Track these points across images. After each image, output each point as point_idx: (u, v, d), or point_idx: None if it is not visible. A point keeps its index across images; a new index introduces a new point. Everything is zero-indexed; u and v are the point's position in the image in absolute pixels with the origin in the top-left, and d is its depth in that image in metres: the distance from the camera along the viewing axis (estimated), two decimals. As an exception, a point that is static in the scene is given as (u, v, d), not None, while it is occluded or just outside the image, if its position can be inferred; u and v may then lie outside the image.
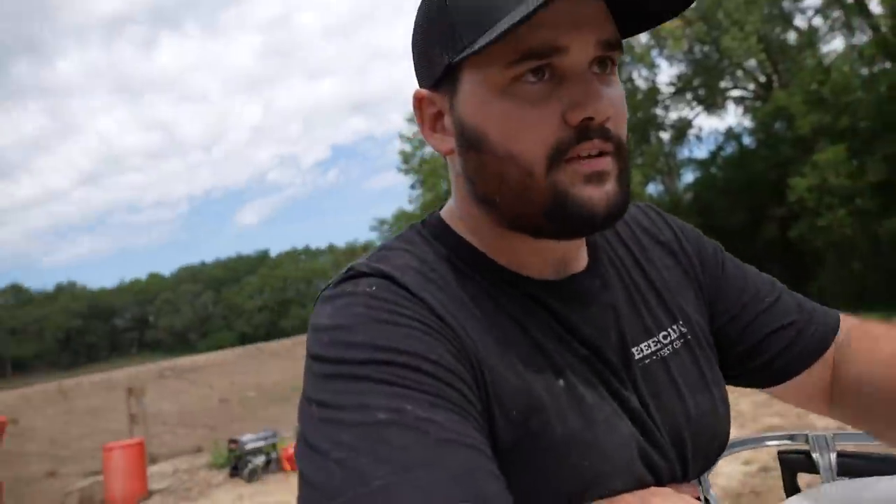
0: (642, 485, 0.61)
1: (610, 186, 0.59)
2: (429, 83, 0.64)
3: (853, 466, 0.84)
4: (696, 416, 0.68)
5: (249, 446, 8.18)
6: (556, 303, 0.65)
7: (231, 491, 7.63)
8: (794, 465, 0.90)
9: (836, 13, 21.50)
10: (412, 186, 31.54)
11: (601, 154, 0.58)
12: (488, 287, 0.63)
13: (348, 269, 0.62)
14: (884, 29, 19.30)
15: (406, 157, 31.76)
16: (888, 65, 18.72)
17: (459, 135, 0.62)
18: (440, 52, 0.61)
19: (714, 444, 0.70)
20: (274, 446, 8.35)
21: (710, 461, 0.71)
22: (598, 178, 0.58)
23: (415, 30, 0.65)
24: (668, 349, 0.70)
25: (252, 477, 7.92)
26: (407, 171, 32.36)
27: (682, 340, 0.71)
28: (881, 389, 0.66)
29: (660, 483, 0.63)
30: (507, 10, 0.54)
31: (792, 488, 0.90)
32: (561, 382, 0.60)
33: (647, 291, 0.72)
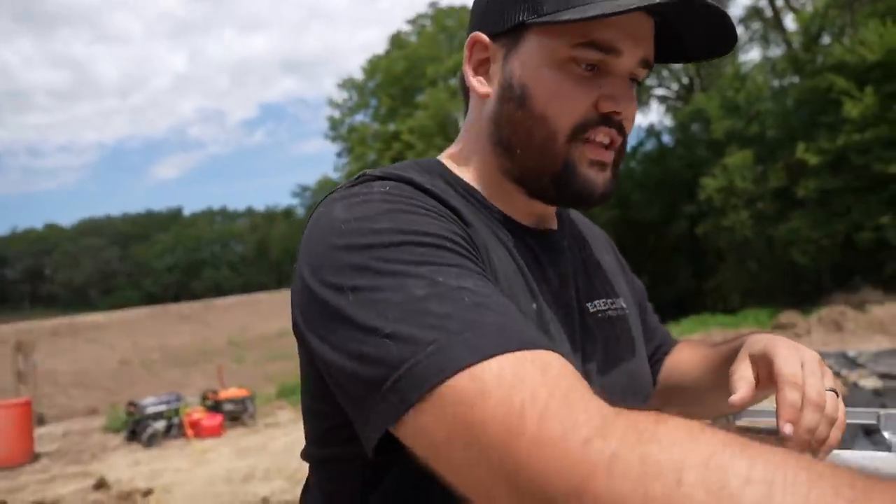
0: None
1: (608, 174, 0.70)
2: (490, 31, 0.70)
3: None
4: (637, 379, 0.79)
5: (150, 410, 7.88)
6: (535, 244, 0.73)
7: (127, 456, 7.34)
8: None
9: (756, 25, 22.72)
10: (338, 154, 30.86)
11: (610, 146, 0.69)
12: (481, 220, 0.69)
13: (359, 175, 0.66)
14: (795, 45, 20.60)
15: (334, 124, 31.06)
16: (796, 79, 20.04)
17: (505, 85, 0.69)
18: (517, 8, 0.66)
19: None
20: (177, 411, 8.09)
21: None
22: (601, 165, 0.69)
23: None
24: (614, 312, 0.79)
25: (151, 442, 7.66)
26: (334, 139, 31.64)
27: (624, 311, 0.82)
28: (670, 385, 0.94)
29: None
30: None
31: None
32: (534, 306, 0.67)
33: (596, 266, 0.84)
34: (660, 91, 25.16)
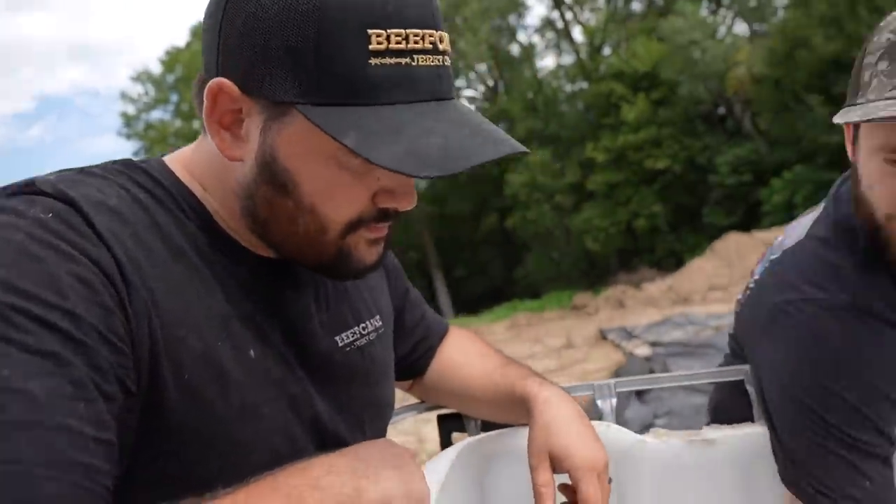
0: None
1: (381, 247, 0.64)
2: (242, 85, 0.55)
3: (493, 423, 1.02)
4: (381, 404, 0.77)
5: None
6: (271, 279, 0.65)
7: None
8: (450, 426, 1.06)
9: (550, 34, 24.96)
10: (135, 154, 28.13)
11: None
12: (203, 247, 0.60)
13: (30, 181, 0.54)
14: (583, 54, 23.02)
15: (129, 121, 28.17)
16: (585, 84, 22.41)
17: (265, 163, 0.57)
18: (281, 78, 0.53)
19: (385, 426, 0.81)
20: None
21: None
22: (377, 241, 0.63)
23: (254, 7, 0.53)
24: (365, 339, 0.74)
25: None
26: (129, 136, 28.74)
27: (376, 333, 0.76)
28: (444, 386, 0.96)
29: None
30: (392, 127, 0.53)
31: (446, 445, 1.05)
32: (252, 353, 0.60)
33: (349, 287, 0.75)
34: (468, 92, 26.53)
